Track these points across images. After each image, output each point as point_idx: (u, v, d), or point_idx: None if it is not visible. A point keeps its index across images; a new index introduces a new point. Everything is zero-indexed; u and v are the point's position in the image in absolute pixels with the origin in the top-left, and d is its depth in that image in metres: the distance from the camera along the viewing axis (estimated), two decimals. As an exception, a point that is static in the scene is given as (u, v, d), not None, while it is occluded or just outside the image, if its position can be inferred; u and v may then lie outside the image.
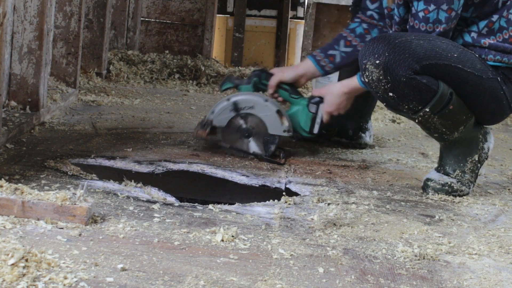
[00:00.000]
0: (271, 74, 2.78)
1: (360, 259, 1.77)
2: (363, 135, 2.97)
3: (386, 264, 1.75)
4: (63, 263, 1.55)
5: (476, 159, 2.42)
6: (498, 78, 2.37)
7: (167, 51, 4.53)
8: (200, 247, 1.75)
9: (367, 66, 2.25)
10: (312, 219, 2.04)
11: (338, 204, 2.18)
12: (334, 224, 2.00)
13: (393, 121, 3.64)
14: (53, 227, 1.76)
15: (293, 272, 1.64)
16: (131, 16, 4.46)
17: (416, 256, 1.81)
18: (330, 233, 1.93)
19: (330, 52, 2.75)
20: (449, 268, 1.76)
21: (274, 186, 2.41)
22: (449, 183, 2.37)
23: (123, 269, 1.56)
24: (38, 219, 1.78)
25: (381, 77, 2.23)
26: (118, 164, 2.47)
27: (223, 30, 5.41)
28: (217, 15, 4.80)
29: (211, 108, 2.74)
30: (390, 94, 2.25)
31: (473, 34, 2.39)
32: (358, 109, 2.91)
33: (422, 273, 1.71)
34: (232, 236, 1.82)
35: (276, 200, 2.21)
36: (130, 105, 3.49)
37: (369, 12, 2.77)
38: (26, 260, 1.48)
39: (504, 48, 2.37)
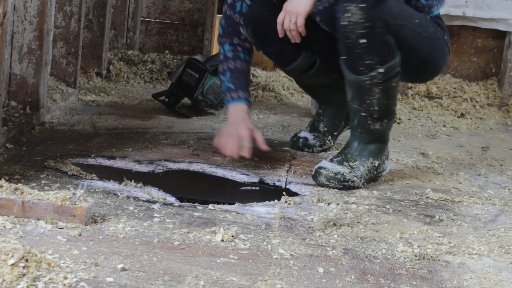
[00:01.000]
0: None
1: (360, 259, 1.77)
2: None
3: (386, 264, 1.75)
4: (63, 263, 1.55)
5: (376, 165, 2.44)
6: (445, 36, 2.48)
7: (167, 51, 4.53)
8: (200, 247, 1.75)
9: (349, 8, 2.22)
10: (312, 219, 2.04)
11: (338, 204, 2.18)
12: (334, 224, 2.00)
13: (393, 121, 3.63)
14: (53, 227, 1.76)
15: (293, 272, 1.64)
16: (131, 16, 4.46)
17: (416, 256, 1.81)
18: (330, 233, 1.93)
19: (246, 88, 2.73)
20: (449, 268, 1.76)
21: (273, 183, 2.43)
22: (341, 172, 2.36)
23: (123, 269, 1.56)
24: (38, 219, 1.78)
25: (360, 21, 2.22)
26: (118, 164, 2.47)
27: (223, 30, 5.40)
28: (217, 15, 4.79)
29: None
30: (362, 40, 2.24)
31: None
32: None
33: (422, 273, 1.71)
34: (232, 236, 1.82)
35: (276, 200, 2.21)
36: (130, 105, 3.48)
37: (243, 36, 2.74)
38: (26, 260, 1.48)
39: None
